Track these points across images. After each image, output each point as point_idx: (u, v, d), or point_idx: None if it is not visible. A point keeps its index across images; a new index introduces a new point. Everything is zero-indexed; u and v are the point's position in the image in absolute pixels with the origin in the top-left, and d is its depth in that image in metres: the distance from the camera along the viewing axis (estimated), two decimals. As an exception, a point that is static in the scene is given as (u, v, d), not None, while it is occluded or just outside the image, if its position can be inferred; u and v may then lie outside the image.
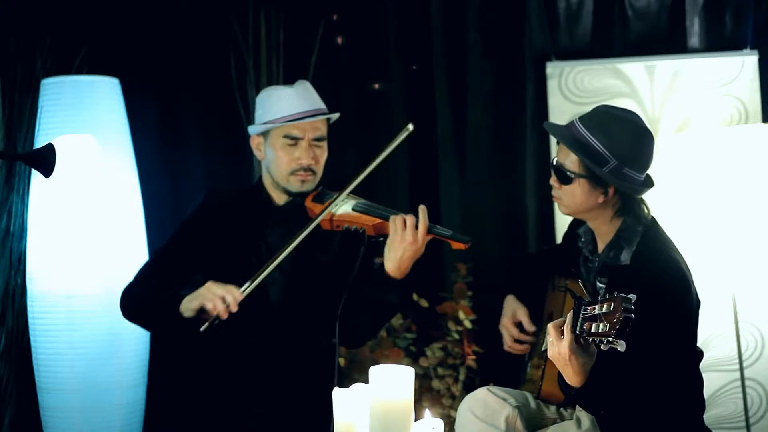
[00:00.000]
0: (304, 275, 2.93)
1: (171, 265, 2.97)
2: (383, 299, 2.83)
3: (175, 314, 2.79)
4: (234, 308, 2.74)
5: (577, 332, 2.25)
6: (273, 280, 2.92)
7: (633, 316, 2.14)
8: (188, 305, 2.78)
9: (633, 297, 2.19)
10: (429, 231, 2.73)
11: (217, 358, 2.94)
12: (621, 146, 2.54)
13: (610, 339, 2.16)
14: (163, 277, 2.94)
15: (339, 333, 2.83)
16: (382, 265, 2.80)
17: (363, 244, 2.88)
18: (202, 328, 2.74)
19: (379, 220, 2.80)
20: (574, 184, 2.59)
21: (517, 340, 2.88)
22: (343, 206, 2.88)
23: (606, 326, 2.17)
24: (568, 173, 2.59)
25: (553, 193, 2.66)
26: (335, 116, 3.03)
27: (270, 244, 2.97)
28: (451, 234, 2.73)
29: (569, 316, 2.30)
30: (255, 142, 3.05)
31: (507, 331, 2.89)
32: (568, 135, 2.61)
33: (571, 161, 2.59)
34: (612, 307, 2.18)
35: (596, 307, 2.22)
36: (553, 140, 3.88)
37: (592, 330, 2.20)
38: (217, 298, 2.73)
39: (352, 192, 2.90)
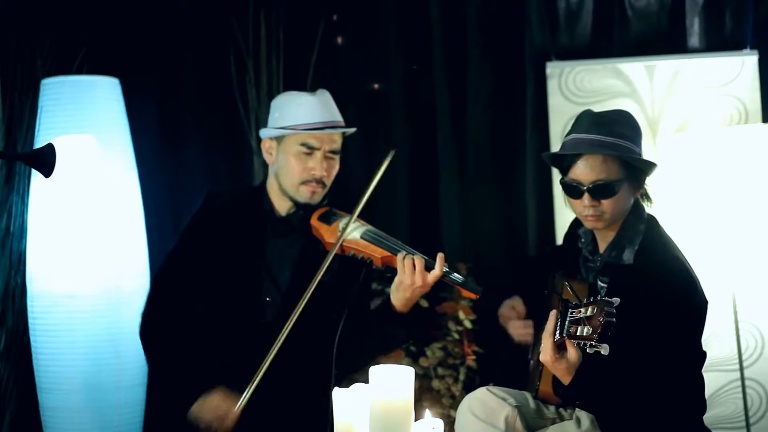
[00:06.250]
0: (302, 295, 2.75)
1: (176, 288, 2.90)
2: (390, 333, 2.79)
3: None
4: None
5: (565, 335, 2.28)
6: (271, 299, 2.88)
7: (614, 320, 2.17)
8: (192, 416, 2.75)
9: (616, 301, 2.20)
10: (442, 277, 2.65)
11: (211, 378, 2.84)
12: (632, 135, 2.55)
13: (593, 343, 2.18)
14: (173, 308, 2.88)
15: (336, 358, 2.79)
16: (388, 299, 2.73)
17: (364, 271, 2.85)
18: None
19: (387, 253, 2.72)
20: (620, 192, 2.53)
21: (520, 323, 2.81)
22: (353, 232, 2.80)
23: (589, 330, 2.20)
24: (613, 183, 2.51)
25: (592, 213, 2.54)
26: (352, 131, 2.97)
27: (269, 264, 2.90)
28: (462, 281, 2.65)
29: (550, 322, 2.33)
30: (267, 146, 2.95)
31: (507, 319, 2.81)
32: (594, 144, 2.52)
33: (609, 171, 2.51)
34: (595, 311, 2.20)
35: (581, 310, 2.25)
36: (553, 144, 3.88)
37: (577, 333, 2.23)
38: (212, 422, 2.70)
39: (360, 216, 2.83)
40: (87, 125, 3.52)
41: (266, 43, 4.03)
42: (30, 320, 3.58)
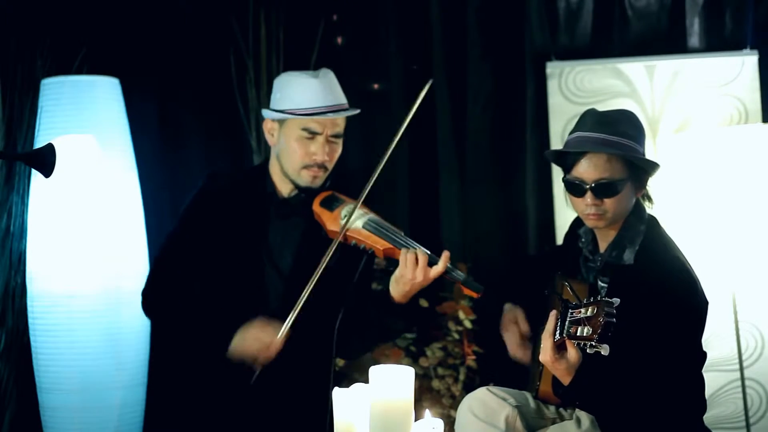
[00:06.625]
0: (305, 282, 2.75)
1: (177, 270, 2.87)
2: (388, 324, 2.79)
3: (220, 353, 2.74)
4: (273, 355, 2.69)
5: (565, 335, 2.28)
6: (272, 285, 2.87)
7: (614, 320, 2.16)
8: (233, 353, 2.72)
9: (616, 301, 2.20)
10: (444, 274, 2.65)
11: (212, 367, 2.84)
12: (636, 134, 2.55)
13: (593, 343, 2.18)
14: (176, 280, 2.86)
15: (336, 347, 2.80)
16: (386, 289, 2.73)
17: (364, 260, 2.86)
18: (251, 381, 2.69)
19: (389, 245, 2.71)
20: (623, 191, 2.53)
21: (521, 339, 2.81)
22: (356, 221, 2.78)
23: (589, 330, 2.20)
24: (617, 183, 2.51)
25: (594, 211, 2.53)
26: (355, 112, 2.91)
27: (270, 248, 2.88)
28: (464, 279, 2.65)
29: (550, 322, 2.33)
30: (268, 127, 2.90)
31: (508, 331, 2.76)
32: (599, 143, 2.51)
33: (612, 170, 2.50)
34: (595, 311, 2.20)
35: (581, 310, 2.25)
36: (553, 144, 3.88)
37: (578, 334, 2.23)
38: (258, 352, 2.69)
39: (362, 203, 2.81)
40: (87, 125, 3.52)
41: (266, 43, 4.03)
42: (30, 320, 3.58)
